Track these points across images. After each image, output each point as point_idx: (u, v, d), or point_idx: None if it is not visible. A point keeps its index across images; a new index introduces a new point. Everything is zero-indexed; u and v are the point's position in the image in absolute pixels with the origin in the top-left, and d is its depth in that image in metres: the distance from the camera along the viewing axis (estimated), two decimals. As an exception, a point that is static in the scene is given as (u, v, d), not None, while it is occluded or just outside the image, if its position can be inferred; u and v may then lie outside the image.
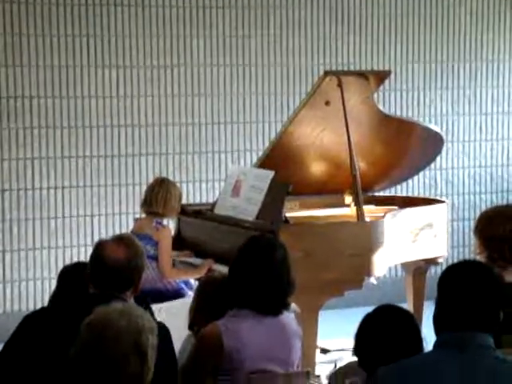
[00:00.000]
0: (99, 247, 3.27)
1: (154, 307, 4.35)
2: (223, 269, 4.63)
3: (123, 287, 3.18)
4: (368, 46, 7.48)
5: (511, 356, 2.62)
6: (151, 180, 6.12)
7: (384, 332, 2.98)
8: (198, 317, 3.69)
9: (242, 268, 3.52)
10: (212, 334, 3.41)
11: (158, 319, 4.11)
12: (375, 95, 5.82)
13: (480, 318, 2.60)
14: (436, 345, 2.61)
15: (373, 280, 5.24)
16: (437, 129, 6.19)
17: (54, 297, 3.56)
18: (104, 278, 3.17)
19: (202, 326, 3.55)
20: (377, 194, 6.22)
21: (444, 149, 6.54)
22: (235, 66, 7.13)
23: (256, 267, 3.47)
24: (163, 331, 2.97)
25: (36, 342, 3.04)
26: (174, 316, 4.22)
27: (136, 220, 5.69)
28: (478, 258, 3.88)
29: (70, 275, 3.51)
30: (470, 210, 7.81)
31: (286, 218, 5.14)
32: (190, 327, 3.76)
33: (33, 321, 3.13)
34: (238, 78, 7.14)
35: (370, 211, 5.62)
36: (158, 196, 5.34)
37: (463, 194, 7.88)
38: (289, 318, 3.61)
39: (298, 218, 5.58)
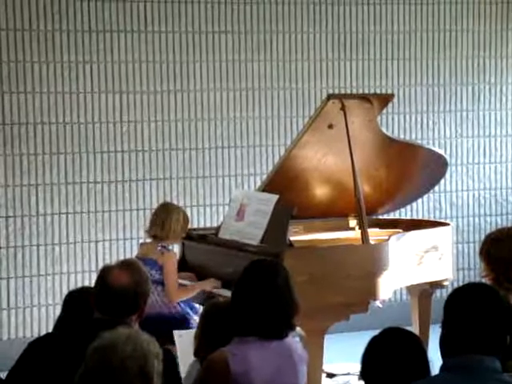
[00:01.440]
0: (104, 272, 3.27)
1: (175, 333, 4.34)
2: (227, 293, 4.61)
3: (128, 312, 3.17)
4: (371, 70, 7.50)
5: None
6: (155, 205, 6.13)
7: (390, 355, 2.96)
8: (203, 343, 3.68)
9: (244, 293, 3.50)
10: (219, 360, 3.39)
11: (178, 345, 4.13)
12: (378, 118, 5.83)
13: (487, 341, 2.58)
14: (443, 368, 2.59)
15: (378, 303, 5.22)
16: (440, 152, 6.19)
17: (59, 322, 3.55)
18: (109, 303, 3.16)
19: (207, 352, 3.53)
20: (381, 217, 6.21)
21: (448, 171, 6.54)
22: (238, 90, 7.14)
23: (258, 292, 3.45)
24: (169, 356, 2.96)
25: (41, 368, 3.03)
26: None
27: (141, 245, 5.69)
28: (484, 280, 3.87)
29: (75, 301, 3.51)
30: (475, 232, 7.79)
31: (290, 241, 5.13)
32: (196, 354, 3.74)
33: (38, 347, 3.12)
34: (241, 102, 7.16)
35: (375, 234, 5.61)
36: (159, 220, 5.34)
37: (468, 216, 7.87)
38: (294, 342, 3.59)
39: (303, 241, 5.57)
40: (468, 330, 2.59)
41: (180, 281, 5.40)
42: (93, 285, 3.32)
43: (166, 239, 5.33)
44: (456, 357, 2.57)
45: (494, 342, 2.60)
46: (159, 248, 5.31)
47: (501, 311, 2.63)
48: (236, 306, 3.51)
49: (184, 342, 4.13)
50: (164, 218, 5.33)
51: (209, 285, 5.24)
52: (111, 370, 2.34)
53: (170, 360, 3.03)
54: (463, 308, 2.62)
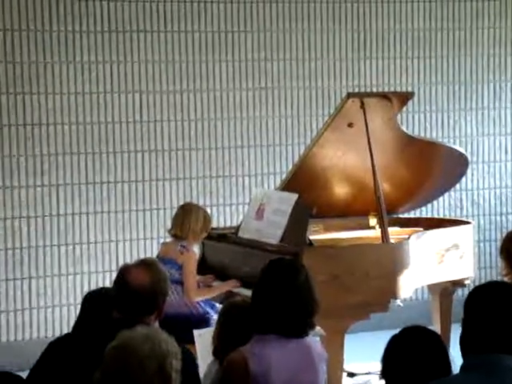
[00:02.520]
0: (123, 272, 3.27)
1: (195, 332, 4.35)
2: (247, 292, 4.61)
3: (147, 312, 3.17)
4: (391, 68, 7.47)
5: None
6: (175, 205, 6.14)
7: (411, 353, 2.94)
8: (222, 343, 3.68)
9: (264, 292, 3.50)
10: (238, 361, 3.38)
11: (198, 344, 4.13)
12: (398, 117, 5.80)
13: (507, 340, 2.56)
14: (463, 368, 2.58)
15: (399, 302, 5.20)
16: (461, 150, 6.15)
17: (78, 322, 3.56)
18: (128, 302, 3.16)
19: (225, 352, 3.53)
20: (402, 215, 6.18)
21: (469, 170, 6.51)
22: (258, 89, 7.14)
23: (279, 290, 3.45)
24: (188, 356, 2.96)
25: (61, 368, 3.03)
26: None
27: (162, 244, 5.70)
28: (505, 279, 3.84)
29: (94, 301, 3.51)
30: (497, 230, 7.74)
31: (310, 240, 5.12)
32: (214, 353, 3.74)
33: (57, 347, 3.13)
34: (260, 101, 7.15)
35: (395, 233, 5.59)
36: (179, 220, 5.36)
37: (489, 214, 7.83)
38: (314, 341, 3.58)
39: (322, 240, 5.56)
40: (488, 329, 2.57)
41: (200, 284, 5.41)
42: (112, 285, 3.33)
43: (185, 239, 5.34)
44: (476, 356, 2.56)
45: (515, 341, 2.58)
46: (179, 248, 5.32)
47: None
48: (256, 305, 3.51)
49: (204, 341, 4.12)
50: (184, 218, 5.35)
51: (229, 286, 5.24)
52: (130, 369, 2.34)
53: (189, 359, 3.03)
54: (483, 306, 2.61)
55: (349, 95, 5.42)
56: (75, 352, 3.05)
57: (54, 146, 6.64)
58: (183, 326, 4.91)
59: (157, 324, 3.31)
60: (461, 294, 6.05)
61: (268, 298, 3.46)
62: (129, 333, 2.45)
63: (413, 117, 7.55)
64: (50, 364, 3.09)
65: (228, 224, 6.83)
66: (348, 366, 5.56)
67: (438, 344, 3.00)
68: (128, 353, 2.37)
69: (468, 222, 5.92)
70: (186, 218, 5.34)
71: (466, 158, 6.01)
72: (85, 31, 6.65)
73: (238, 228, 5.62)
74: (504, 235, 4.08)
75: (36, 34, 6.55)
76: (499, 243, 4.21)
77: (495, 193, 7.83)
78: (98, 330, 3.13)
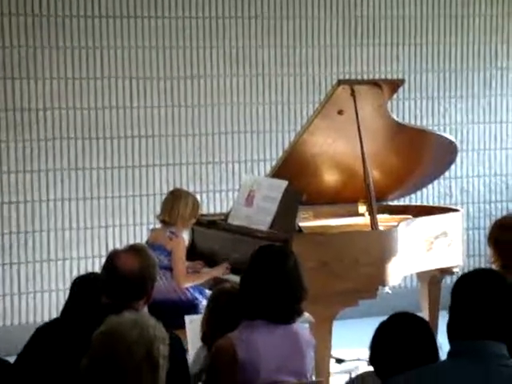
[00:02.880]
0: (112, 257, 3.27)
1: (186, 318, 4.35)
2: (236, 279, 4.61)
3: (136, 297, 3.18)
4: (381, 55, 7.47)
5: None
6: (165, 191, 6.14)
7: (399, 340, 2.96)
8: (211, 329, 3.69)
9: (253, 278, 3.51)
10: (226, 347, 3.40)
11: (189, 330, 4.13)
12: (389, 104, 5.80)
13: (493, 327, 2.58)
14: (450, 353, 2.59)
15: (387, 289, 5.21)
16: (451, 138, 6.16)
17: (67, 308, 3.56)
18: (117, 287, 3.17)
19: (214, 337, 3.54)
20: (391, 203, 6.19)
21: (459, 157, 6.52)
22: (248, 76, 7.13)
23: (267, 277, 3.47)
24: (176, 341, 2.96)
25: (48, 353, 3.04)
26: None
27: (151, 230, 5.70)
28: (493, 266, 3.86)
29: (83, 286, 3.52)
30: (486, 218, 7.76)
31: (299, 227, 5.13)
32: (203, 339, 3.75)
33: (45, 332, 3.13)
34: (251, 87, 7.15)
35: (384, 220, 5.60)
36: (168, 205, 5.36)
37: (478, 202, 7.85)
38: (302, 327, 3.60)
39: (312, 227, 5.57)
40: (475, 316, 2.58)
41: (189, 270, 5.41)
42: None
43: (174, 225, 5.34)
44: (462, 342, 2.57)
45: (501, 327, 2.59)
46: (168, 234, 5.32)
47: (508, 297, 2.63)
48: (245, 290, 3.52)
49: (195, 327, 4.13)
50: (172, 204, 5.35)
51: (219, 271, 5.25)
52: (117, 354, 2.35)
53: (177, 345, 3.04)
54: (470, 293, 2.62)
55: (339, 82, 5.41)
56: (63, 337, 3.05)
57: (44, 131, 6.62)
58: (172, 311, 4.92)
59: (145, 310, 3.32)
60: (449, 281, 6.07)
61: (256, 284, 3.47)
62: (117, 318, 2.45)
63: (403, 104, 7.55)
64: (38, 349, 3.10)
65: (218, 210, 6.83)
66: (336, 352, 5.58)
67: (426, 330, 3.02)
68: (116, 338, 2.37)
69: (457, 210, 5.93)
70: (176, 203, 5.34)
71: (455, 146, 6.02)
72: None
73: (227, 214, 5.62)
74: (492, 223, 4.09)
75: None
76: (488, 231, 4.23)
77: (484, 181, 7.85)
78: (87, 315, 3.13)
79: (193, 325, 4.24)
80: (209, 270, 5.35)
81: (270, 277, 3.47)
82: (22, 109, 6.56)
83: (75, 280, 3.66)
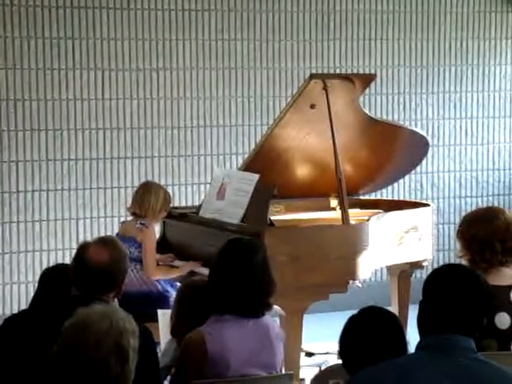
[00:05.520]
0: (82, 249, 3.26)
1: (159, 312, 4.34)
2: (207, 272, 4.61)
3: (106, 289, 3.16)
4: (354, 50, 7.49)
5: (496, 360, 2.63)
6: (136, 183, 6.12)
7: (368, 334, 2.97)
8: (180, 322, 3.68)
9: (221, 272, 3.51)
10: (196, 341, 3.40)
11: (161, 324, 4.12)
12: (361, 99, 5.82)
13: (463, 321, 2.60)
14: (418, 347, 2.61)
15: (358, 283, 5.23)
16: (422, 133, 6.19)
17: (35, 299, 3.54)
18: (86, 280, 3.15)
19: (183, 331, 3.53)
20: (362, 197, 6.22)
21: (430, 153, 6.56)
22: (221, 69, 7.12)
23: (236, 270, 3.47)
24: (146, 334, 2.96)
25: (16, 344, 3.02)
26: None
27: (122, 223, 5.68)
28: (463, 261, 3.89)
29: (51, 277, 3.50)
30: (456, 213, 7.82)
31: (271, 221, 5.13)
32: (172, 333, 3.74)
33: (13, 323, 3.11)
34: (223, 81, 7.14)
35: (356, 214, 5.62)
36: (139, 198, 5.34)
37: (449, 197, 7.90)
38: (271, 320, 3.60)
39: (284, 221, 5.58)
40: (445, 310, 2.60)
41: (162, 262, 5.40)
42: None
43: (145, 217, 5.32)
44: (432, 336, 2.59)
45: (471, 322, 2.62)
46: (138, 225, 5.30)
47: (479, 293, 2.65)
48: (213, 284, 3.52)
49: (167, 320, 4.13)
50: (143, 196, 5.33)
51: (189, 269, 5.23)
52: (86, 346, 2.33)
53: (147, 337, 3.02)
54: (442, 288, 2.64)
55: (311, 76, 5.42)
56: (31, 328, 3.03)
57: (14, 122, 6.58)
58: (142, 303, 4.92)
59: (116, 302, 3.31)
60: (419, 275, 6.11)
61: (224, 278, 3.47)
62: (86, 310, 2.44)
63: (375, 99, 7.58)
64: (6, 341, 3.08)
65: (189, 203, 6.83)
66: (306, 345, 5.60)
67: (395, 324, 3.03)
68: (85, 330, 2.36)
69: (427, 205, 5.96)
70: (146, 196, 5.32)
71: (426, 141, 6.05)
72: (47, 6, 6.56)
73: (199, 207, 5.61)
74: (462, 217, 4.12)
75: (3, 8, 6.47)
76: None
77: (455, 176, 7.90)
78: (55, 306, 3.11)
79: (165, 318, 4.24)
80: (180, 266, 5.32)
81: (237, 270, 3.46)
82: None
83: (44, 271, 3.65)
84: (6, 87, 6.54)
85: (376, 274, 7.15)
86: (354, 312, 3.07)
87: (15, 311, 6.36)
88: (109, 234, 6.49)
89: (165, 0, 6.90)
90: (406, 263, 5.68)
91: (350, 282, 5.07)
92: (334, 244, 5.02)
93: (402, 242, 5.49)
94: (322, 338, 5.95)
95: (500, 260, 3.79)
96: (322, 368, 5.05)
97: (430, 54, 7.74)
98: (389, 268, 5.94)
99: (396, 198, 7.27)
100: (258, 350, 3.46)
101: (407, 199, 7.37)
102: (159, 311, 4.36)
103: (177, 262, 5.41)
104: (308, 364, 5.61)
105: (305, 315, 4.99)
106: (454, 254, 7.39)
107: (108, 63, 6.79)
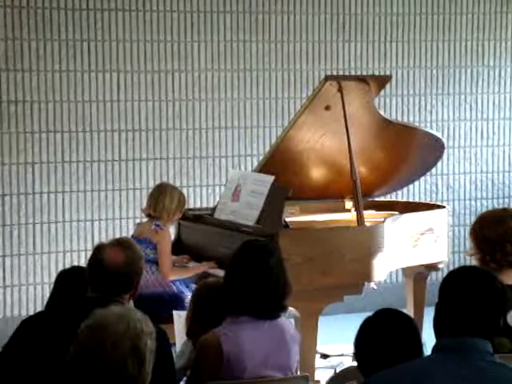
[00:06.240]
0: (98, 251, 3.27)
1: (175, 313, 4.35)
2: (223, 273, 4.61)
3: (121, 291, 3.17)
4: (369, 52, 7.48)
5: (510, 361, 2.62)
6: (151, 185, 6.13)
7: (383, 336, 2.96)
8: (195, 324, 3.68)
9: (237, 274, 3.51)
10: (212, 343, 3.40)
11: (177, 325, 4.13)
12: (376, 100, 5.81)
13: (480, 324, 2.59)
14: (435, 349, 2.60)
15: (373, 285, 5.23)
16: (438, 134, 6.18)
17: (51, 301, 3.55)
18: (102, 281, 3.16)
19: (199, 332, 3.54)
20: (377, 199, 6.21)
21: (445, 154, 6.54)
22: (236, 71, 7.13)
23: (251, 273, 3.47)
24: (162, 335, 2.96)
25: (33, 346, 3.03)
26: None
27: (137, 224, 5.69)
28: (473, 260, 3.90)
29: (67, 279, 3.51)
30: (471, 215, 7.78)
31: (286, 222, 5.13)
32: (188, 334, 3.75)
33: (30, 325, 3.12)
34: (238, 83, 7.14)
35: (370, 216, 5.61)
36: (153, 199, 5.35)
37: (464, 199, 7.87)
38: (286, 322, 3.60)
39: (298, 222, 5.57)
40: (462, 313, 2.60)
41: (177, 264, 5.41)
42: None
43: (160, 218, 5.33)
44: (448, 338, 2.59)
45: (488, 325, 2.61)
46: (153, 227, 5.31)
47: (495, 295, 2.64)
48: (229, 286, 3.52)
49: (182, 322, 4.13)
50: (158, 198, 5.34)
51: (205, 268, 5.24)
52: (103, 348, 2.33)
53: (163, 339, 3.03)
54: (458, 290, 2.63)
55: (326, 78, 5.42)
56: (48, 330, 3.04)
57: (30, 123, 6.60)
58: (158, 305, 4.93)
59: (131, 303, 3.31)
60: (434, 277, 6.09)
61: (240, 280, 3.47)
62: (103, 311, 2.43)
63: (390, 100, 7.57)
64: (23, 342, 3.09)
65: (204, 205, 6.83)
66: (321, 347, 5.59)
67: (411, 327, 3.02)
68: (102, 332, 2.36)
69: (443, 207, 5.95)
70: (161, 197, 5.33)
71: (442, 143, 6.03)
72: (63, 8, 6.58)
73: (214, 209, 5.62)
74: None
75: (19, 11, 6.48)
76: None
77: (470, 178, 7.88)
78: (71, 308, 3.12)
79: (180, 319, 4.25)
80: (195, 266, 5.34)
81: (252, 272, 3.46)
82: (8, 100, 6.53)
83: (60, 273, 3.66)
84: (22, 89, 6.56)
85: (391, 275, 7.13)
86: (370, 314, 3.06)
87: (31, 312, 6.39)
88: (124, 235, 6.51)
89: (180, 2, 6.91)
90: (422, 265, 5.66)
91: (365, 284, 5.06)
92: (348, 246, 5.01)
93: (417, 243, 5.48)
94: (337, 340, 5.95)
95: (510, 261, 3.79)
96: (337, 370, 5.05)
97: (446, 55, 7.72)
98: (404, 270, 5.93)
99: (411, 200, 7.26)
100: (274, 351, 3.47)
101: (422, 201, 7.35)
102: (175, 312, 4.37)
103: (192, 264, 5.42)
104: (323, 366, 5.61)
105: (320, 317, 4.99)
106: (470, 257, 7.38)
107: (123, 65, 6.80)
